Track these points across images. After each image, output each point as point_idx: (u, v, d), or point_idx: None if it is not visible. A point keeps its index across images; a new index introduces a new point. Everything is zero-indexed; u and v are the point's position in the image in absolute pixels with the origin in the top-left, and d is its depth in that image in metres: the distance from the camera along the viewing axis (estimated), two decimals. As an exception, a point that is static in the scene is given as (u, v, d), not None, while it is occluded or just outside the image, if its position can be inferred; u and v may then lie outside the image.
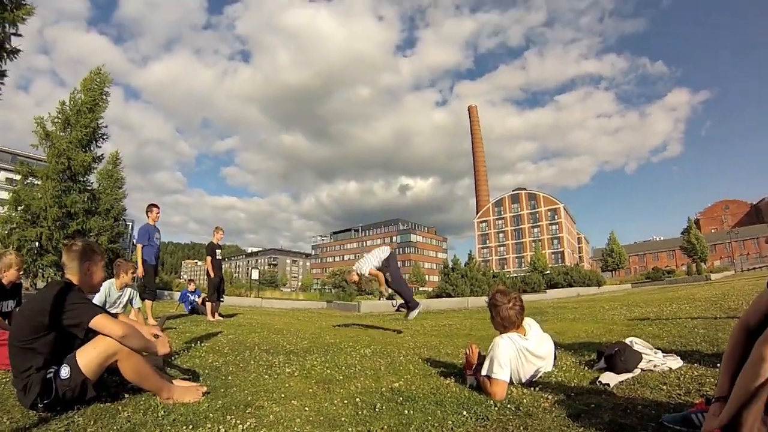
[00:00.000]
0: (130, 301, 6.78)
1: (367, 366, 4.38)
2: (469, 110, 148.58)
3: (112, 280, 6.48)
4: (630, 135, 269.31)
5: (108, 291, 6.37)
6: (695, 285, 23.58)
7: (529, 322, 3.52)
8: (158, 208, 9.15)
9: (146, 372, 2.85)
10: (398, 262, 8.06)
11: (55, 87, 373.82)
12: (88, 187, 28.15)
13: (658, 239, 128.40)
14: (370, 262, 7.88)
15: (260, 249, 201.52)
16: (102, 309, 2.90)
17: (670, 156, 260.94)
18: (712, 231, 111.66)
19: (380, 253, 7.98)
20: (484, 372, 3.14)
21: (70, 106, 26.65)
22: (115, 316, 3.15)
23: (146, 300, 8.48)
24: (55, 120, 26.20)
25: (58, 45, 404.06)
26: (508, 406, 2.78)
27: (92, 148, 27.58)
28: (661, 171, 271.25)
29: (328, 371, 4.08)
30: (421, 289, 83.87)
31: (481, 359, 3.35)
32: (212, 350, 5.27)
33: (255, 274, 42.38)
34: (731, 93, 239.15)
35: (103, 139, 28.15)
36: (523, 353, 3.26)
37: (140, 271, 8.47)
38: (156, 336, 3.18)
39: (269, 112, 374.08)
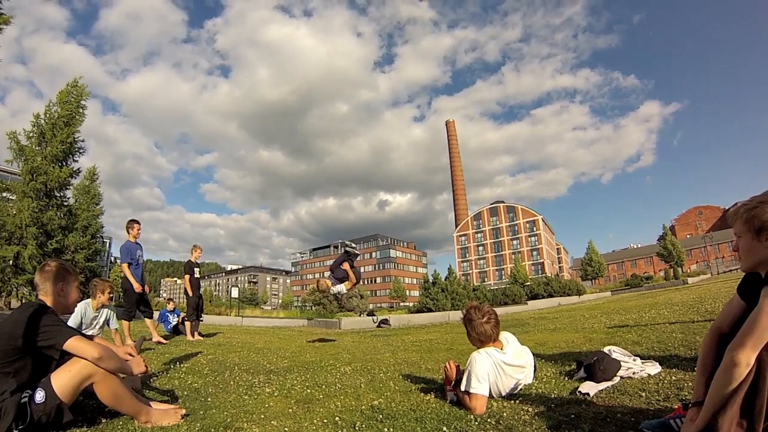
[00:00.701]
0: (107, 321, 6.59)
1: (348, 384, 4.35)
2: (446, 125, 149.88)
3: (89, 300, 6.27)
4: (605, 146, 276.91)
5: (84, 311, 6.16)
6: (673, 290, 23.89)
7: (506, 336, 3.52)
8: (139, 224, 8.80)
9: (123, 395, 2.79)
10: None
11: (31, 98, 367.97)
12: (65, 203, 27.64)
13: (635, 246, 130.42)
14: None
15: (240, 266, 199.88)
16: (76, 331, 2.83)
17: (644, 166, 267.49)
18: (688, 236, 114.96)
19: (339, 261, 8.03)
20: (462, 387, 3.13)
21: (45, 120, 26.16)
22: (90, 337, 3.07)
23: (123, 320, 8.28)
24: (30, 134, 25.67)
25: (36, 55, 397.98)
26: (489, 420, 2.76)
27: (68, 163, 27.04)
28: (635, 180, 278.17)
29: (308, 390, 4.04)
30: (401, 304, 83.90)
31: (461, 375, 3.33)
32: (191, 371, 5.18)
33: (235, 293, 41.88)
34: (701, 104, 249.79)
35: (80, 153, 27.65)
36: (500, 367, 3.25)
37: (137, 287, 8.32)
38: (131, 355, 3.10)
39: (248, 128, 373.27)
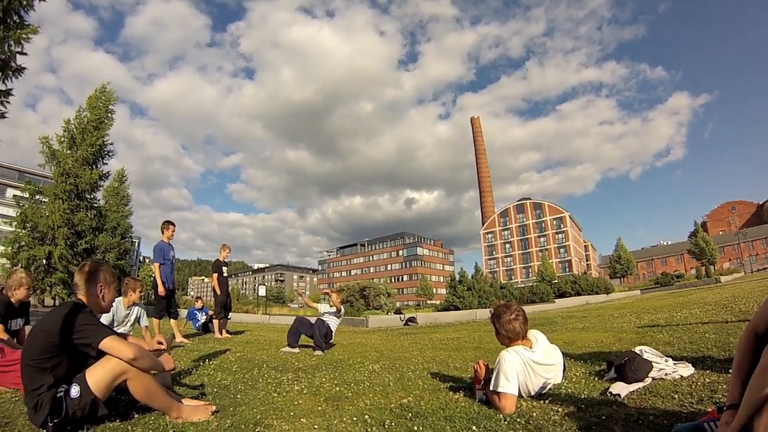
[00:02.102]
0: (137, 319, 6.76)
1: (376, 382, 4.36)
2: (471, 122, 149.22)
3: (120, 298, 6.42)
4: (633, 141, 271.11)
5: (116, 310, 6.34)
6: (705, 288, 23.37)
7: (535, 334, 3.50)
8: (174, 225, 9.01)
9: (155, 391, 2.86)
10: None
11: (61, 105, 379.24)
12: (95, 205, 28.47)
13: (665, 244, 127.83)
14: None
15: (267, 265, 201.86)
16: (111, 330, 2.91)
17: (674, 160, 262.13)
18: (720, 233, 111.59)
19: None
20: (491, 386, 3.12)
21: (76, 125, 27.03)
22: (123, 336, 3.16)
23: (154, 318, 8.48)
24: (61, 139, 26.54)
25: (65, 63, 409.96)
26: (518, 420, 2.75)
27: (98, 166, 27.87)
28: (665, 175, 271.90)
29: (337, 388, 4.06)
30: (428, 302, 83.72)
31: (490, 374, 3.33)
32: (221, 368, 5.26)
33: (262, 291, 42.13)
34: (731, 95, 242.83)
35: (110, 156, 28.56)
36: (530, 366, 3.23)
37: (161, 289, 8.51)
38: (160, 345, 3.16)
39: (273, 128, 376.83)
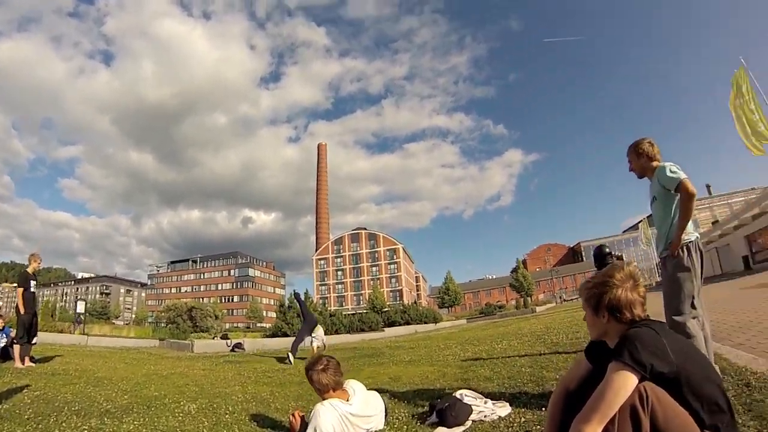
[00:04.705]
0: None
1: (189, 429, 3.98)
2: (318, 147, 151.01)
3: None
4: (470, 185, 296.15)
5: None
6: (523, 318, 26.01)
7: (352, 385, 3.42)
8: None
9: None
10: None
11: None
12: None
13: (490, 277, 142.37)
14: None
15: (93, 275, 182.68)
16: None
17: (503, 205, 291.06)
18: (537, 269, 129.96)
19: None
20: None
21: None
22: None
23: None
24: None
25: None
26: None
27: None
28: (494, 217, 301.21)
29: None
30: (259, 324, 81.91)
31: (305, 427, 3.05)
32: (9, 416, 4.30)
33: (81, 307, 36.04)
34: (555, 158, 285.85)
35: None
36: (347, 419, 3.08)
37: None
38: None
39: (121, 125, 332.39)
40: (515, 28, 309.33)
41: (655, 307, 4.08)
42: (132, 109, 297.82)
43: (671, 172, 3.45)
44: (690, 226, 3.46)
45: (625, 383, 1.72)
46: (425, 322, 36.46)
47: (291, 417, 3.44)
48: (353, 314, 38.51)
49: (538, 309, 43.20)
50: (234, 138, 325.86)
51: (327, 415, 3.01)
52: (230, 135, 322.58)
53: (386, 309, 53.17)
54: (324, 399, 3.23)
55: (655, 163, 3.72)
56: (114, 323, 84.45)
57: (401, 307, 42.74)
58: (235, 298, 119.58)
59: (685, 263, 3.42)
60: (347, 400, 3.22)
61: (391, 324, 35.61)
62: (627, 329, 1.89)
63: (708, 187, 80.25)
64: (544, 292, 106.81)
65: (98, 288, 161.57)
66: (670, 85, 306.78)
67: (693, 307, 3.37)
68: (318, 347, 11.33)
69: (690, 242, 3.46)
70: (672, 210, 3.53)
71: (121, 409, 4.80)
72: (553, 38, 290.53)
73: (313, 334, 11.60)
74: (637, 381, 1.72)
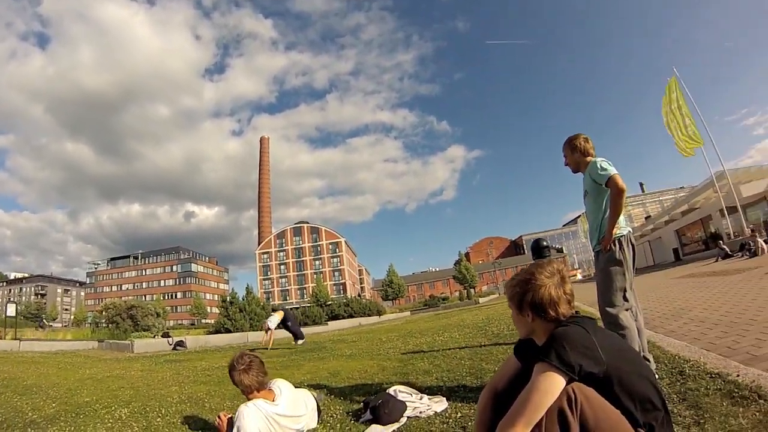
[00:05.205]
0: None
1: None
2: (261, 141, 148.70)
3: None
4: (413, 179, 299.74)
5: None
6: (466, 309, 26.46)
7: (278, 384, 3.31)
8: None
9: None
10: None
11: None
12: None
13: (434, 270, 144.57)
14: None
15: (27, 275, 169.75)
16: None
17: (446, 199, 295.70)
18: (480, 262, 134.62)
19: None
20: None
21: None
22: None
23: None
24: None
25: None
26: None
27: None
28: (437, 211, 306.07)
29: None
30: (203, 321, 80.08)
31: (232, 427, 2.91)
32: None
33: (11, 310, 33.42)
34: (497, 156, 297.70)
35: None
36: (273, 420, 2.96)
37: None
38: None
39: (56, 114, 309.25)
40: (461, 29, 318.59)
41: (592, 297, 4.15)
42: (68, 97, 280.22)
43: (602, 168, 3.49)
44: (622, 220, 3.52)
45: (551, 386, 1.65)
46: (369, 315, 36.65)
47: (218, 418, 3.31)
48: (297, 308, 38.12)
49: (481, 300, 44.67)
50: (176, 130, 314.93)
51: (251, 416, 2.89)
52: (173, 127, 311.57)
53: (329, 302, 52.89)
54: (249, 399, 3.11)
55: (588, 159, 3.76)
56: (51, 326, 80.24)
57: (344, 301, 42.70)
58: (179, 295, 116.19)
59: (617, 257, 3.47)
60: (273, 401, 3.11)
61: (335, 317, 35.56)
62: (555, 327, 1.82)
63: (641, 185, 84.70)
64: (487, 283, 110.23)
65: (33, 289, 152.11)
66: (608, 89, 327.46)
67: (625, 299, 3.43)
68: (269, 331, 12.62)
69: (622, 236, 3.51)
70: (603, 204, 3.57)
71: (47, 419, 4.58)
72: (497, 40, 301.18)
73: (269, 319, 12.81)
74: (564, 383, 1.65)
